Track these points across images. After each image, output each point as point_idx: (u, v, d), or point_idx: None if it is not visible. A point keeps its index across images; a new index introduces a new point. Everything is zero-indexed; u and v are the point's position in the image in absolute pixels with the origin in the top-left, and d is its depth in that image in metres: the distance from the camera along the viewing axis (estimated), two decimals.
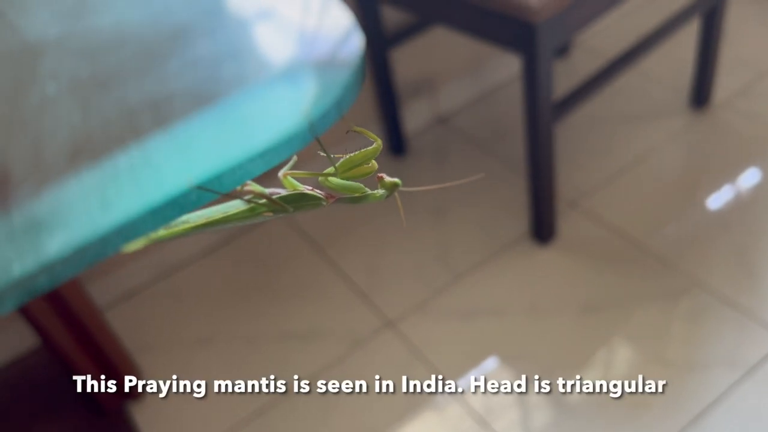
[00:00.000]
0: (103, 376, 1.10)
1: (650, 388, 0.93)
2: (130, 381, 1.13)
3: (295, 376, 1.14)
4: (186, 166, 0.20)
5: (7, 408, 1.16)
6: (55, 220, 0.19)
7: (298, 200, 0.21)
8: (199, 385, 1.15)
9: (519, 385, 1.06)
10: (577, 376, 1.06)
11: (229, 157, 0.20)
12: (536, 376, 1.07)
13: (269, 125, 0.20)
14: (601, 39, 1.69)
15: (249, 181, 0.20)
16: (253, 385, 1.13)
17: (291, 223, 1.41)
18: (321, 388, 1.11)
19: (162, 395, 1.15)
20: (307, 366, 1.15)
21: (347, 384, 1.11)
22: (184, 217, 0.21)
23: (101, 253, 0.18)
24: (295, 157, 0.21)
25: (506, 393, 1.06)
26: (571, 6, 0.98)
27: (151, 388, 1.16)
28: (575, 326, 1.13)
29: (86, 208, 0.19)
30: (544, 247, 1.26)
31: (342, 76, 0.21)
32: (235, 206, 0.21)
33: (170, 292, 1.33)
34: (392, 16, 1.37)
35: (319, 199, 0.21)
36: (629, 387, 1.03)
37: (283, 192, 0.21)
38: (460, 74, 1.56)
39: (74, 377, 1.09)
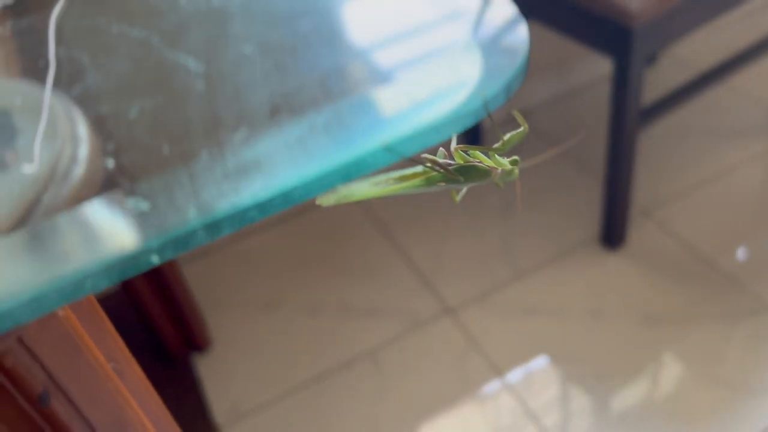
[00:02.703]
0: (173, 326, 1.16)
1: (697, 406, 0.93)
2: (198, 334, 1.19)
3: (353, 349, 1.17)
4: (372, 129, 0.22)
5: None
6: (265, 165, 0.22)
7: (469, 172, 0.23)
8: (260, 346, 1.20)
9: (570, 387, 1.07)
10: (627, 386, 1.06)
11: (408, 126, 0.22)
12: (587, 381, 1.08)
13: (446, 100, 0.23)
14: (692, 50, 1.66)
15: (425, 155, 0.22)
16: (311, 353, 1.18)
17: (362, 203, 1.45)
18: (377, 364, 1.15)
19: (226, 351, 1.21)
20: (365, 341, 1.18)
21: (403, 363, 1.14)
22: (364, 182, 0.23)
23: (303, 196, 0.21)
24: (455, 135, 0.23)
25: (556, 392, 1.07)
26: (669, 14, 0.98)
27: (217, 343, 1.21)
28: (633, 336, 1.13)
29: (291, 157, 0.21)
30: (612, 253, 1.25)
31: (514, 62, 0.23)
32: (410, 172, 0.23)
33: (242, 255, 1.38)
34: None
35: (488, 171, 0.23)
36: (677, 402, 1.03)
37: (453, 163, 0.23)
38: (545, 71, 1.56)
39: (147, 324, 1.15)
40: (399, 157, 0.21)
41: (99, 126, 0.24)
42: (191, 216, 0.20)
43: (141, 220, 0.21)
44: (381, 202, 1.44)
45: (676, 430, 1.00)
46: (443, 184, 0.24)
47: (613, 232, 1.23)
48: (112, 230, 0.21)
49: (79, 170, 0.23)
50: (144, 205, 0.21)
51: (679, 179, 1.38)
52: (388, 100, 0.23)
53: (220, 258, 1.38)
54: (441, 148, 0.24)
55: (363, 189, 0.24)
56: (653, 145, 1.45)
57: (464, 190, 0.25)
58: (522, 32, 0.25)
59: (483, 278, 1.26)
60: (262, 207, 0.20)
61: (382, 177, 0.24)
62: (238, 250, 1.39)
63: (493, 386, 1.09)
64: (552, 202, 1.37)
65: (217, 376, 1.17)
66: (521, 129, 0.24)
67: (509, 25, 0.25)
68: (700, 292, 1.17)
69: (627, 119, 1.06)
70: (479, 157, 0.24)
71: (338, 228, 1.41)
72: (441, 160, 0.24)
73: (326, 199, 0.24)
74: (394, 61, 0.24)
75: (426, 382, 1.11)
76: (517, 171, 0.24)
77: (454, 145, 0.24)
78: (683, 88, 1.15)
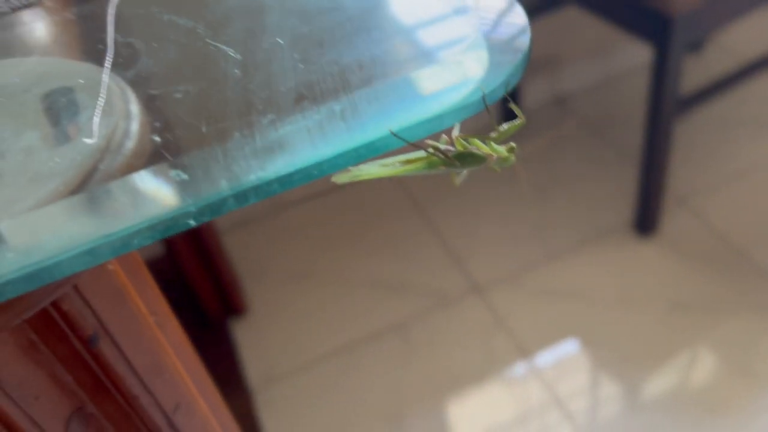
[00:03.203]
0: (213, 292, 1.22)
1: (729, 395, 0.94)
2: (236, 300, 1.24)
3: (382, 322, 1.21)
4: (381, 116, 0.25)
5: None
6: (287, 145, 0.25)
7: (466, 158, 0.26)
8: (294, 314, 1.25)
9: (596, 372, 1.09)
10: (655, 373, 1.08)
11: (414, 114, 0.25)
12: (614, 366, 1.09)
13: (447, 94, 0.26)
14: (738, 38, 1.63)
15: (428, 141, 0.25)
16: (342, 324, 1.22)
17: (398, 180, 1.48)
18: (405, 338, 1.18)
19: (262, 318, 1.26)
20: (394, 315, 1.22)
21: (430, 338, 1.18)
22: (373, 163, 0.26)
23: (320, 173, 0.24)
24: (458, 124, 0.26)
25: (582, 376, 1.09)
26: (712, 2, 0.97)
27: (254, 309, 1.27)
28: (662, 323, 1.14)
29: (310, 139, 0.25)
30: (644, 239, 1.26)
31: (514, 58, 0.26)
32: (414, 156, 0.26)
33: (280, 227, 1.43)
34: None
35: (484, 158, 0.26)
36: (706, 392, 1.04)
37: (453, 149, 0.26)
38: (586, 57, 1.56)
39: (189, 288, 1.21)
40: (404, 143, 0.24)
41: (149, 106, 0.28)
42: (223, 186, 0.24)
43: (181, 188, 0.24)
44: (416, 180, 1.47)
45: (705, 420, 1.01)
46: (443, 168, 0.27)
47: (646, 219, 1.24)
48: (157, 196, 0.25)
49: (131, 144, 0.27)
50: (184, 176, 0.24)
51: (718, 169, 1.37)
52: (398, 91, 0.26)
53: (259, 229, 1.43)
54: (444, 135, 0.27)
55: (373, 169, 0.27)
56: (694, 132, 1.44)
57: (464, 173, 0.28)
58: (524, 31, 0.27)
59: (514, 259, 1.28)
60: (283, 181, 0.24)
61: (390, 159, 0.27)
62: (277, 222, 1.44)
63: (518, 367, 1.11)
64: (588, 186, 1.38)
65: (252, 342, 1.23)
66: (518, 120, 0.26)
67: (514, 23, 0.28)
68: (732, 284, 1.17)
69: (664, 108, 1.06)
70: (477, 145, 0.26)
71: (373, 203, 1.45)
72: (443, 146, 0.26)
73: (340, 177, 0.27)
74: (406, 55, 0.27)
75: (451, 359, 1.15)
76: (513, 158, 0.27)
77: (455, 133, 0.27)
78: (726, 77, 1.14)
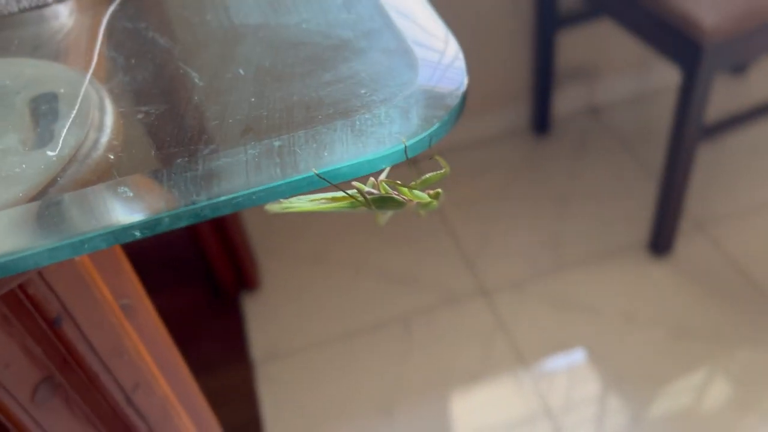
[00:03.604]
0: (228, 265, 1.26)
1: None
2: (250, 275, 1.28)
3: (387, 312, 1.24)
4: (314, 157, 0.28)
5: (137, 273, 1.35)
6: (224, 175, 0.27)
7: (386, 202, 0.28)
8: (303, 295, 1.29)
9: (589, 386, 1.10)
10: (648, 394, 1.09)
11: (344, 157, 0.28)
12: (608, 382, 1.10)
13: (377, 142, 0.28)
14: None
15: (354, 182, 0.28)
16: (348, 309, 1.26)
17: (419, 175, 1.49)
18: (407, 330, 1.21)
19: (272, 295, 1.30)
20: (399, 307, 1.25)
21: (432, 333, 1.20)
22: (303, 197, 0.29)
23: (250, 203, 0.27)
24: (388, 168, 0.28)
25: (575, 389, 1.11)
26: (746, 34, 0.96)
27: (266, 286, 1.31)
28: (665, 347, 1.14)
29: (245, 171, 0.27)
30: (658, 260, 1.26)
31: (440, 114, 0.28)
32: (339, 195, 0.29)
33: None
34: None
35: (402, 203, 0.28)
36: (703, 420, 1.04)
37: (375, 192, 0.29)
38: (624, 70, 1.54)
39: (205, 260, 1.26)
40: (328, 183, 0.27)
41: (114, 123, 0.31)
42: (161, 206, 0.27)
43: (126, 204, 0.27)
44: (441, 180, 1.48)
45: None
46: (364, 208, 0.29)
47: (660, 240, 1.24)
48: (107, 209, 0.28)
49: (96, 155, 0.30)
50: (130, 194, 0.27)
51: (741, 197, 1.35)
52: (334, 134, 0.28)
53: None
54: (371, 178, 0.29)
55: (301, 203, 0.30)
56: (721, 156, 1.42)
57: (389, 214, 0.30)
58: (460, 88, 0.29)
59: (523, 266, 1.29)
60: (214, 208, 0.27)
61: (319, 195, 0.29)
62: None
63: (514, 373, 1.13)
64: (609, 200, 1.38)
65: (261, 317, 1.27)
66: (442, 170, 0.28)
67: (453, 79, 0.30)
68: (742, 315, 1.17)
69: (687, 133, 1.05)
70: (400, 190, 0.28)
71: None
72: (367, 189, 0.29)
73: (273, 207, 0.30)
74: (350, 100, 0.30)
75: (450, 356, 1.17)
76: (435, 203, 0.29)
77: (382, 177, 0.29)
78: (754, 108, 1.13)
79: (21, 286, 0.32)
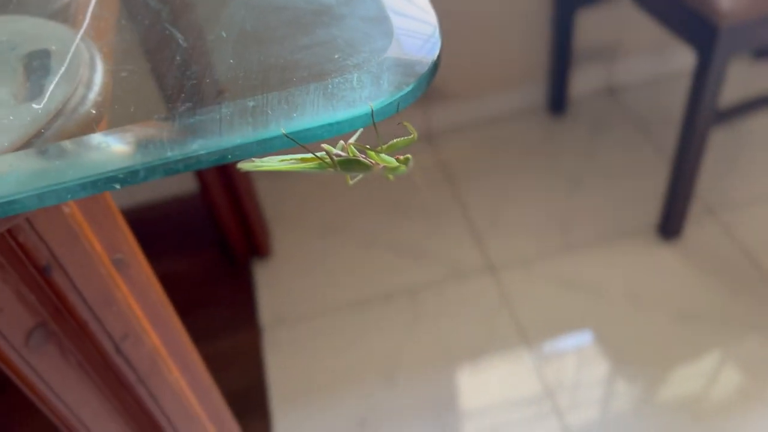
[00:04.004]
0: (240, 231, 1.28)
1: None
2: (261, 242, 1.31)
3: (394, 284, 1.26)
4: (286, 118, 0.29)
5: (152, 237, 1.38)
6: (199, 131, 0.29)
7: (352, 164, 0.29)
8: (313, 264, 1.31)
9: (589, 366, 1.11)
10: (647, 377, 1.09)
11: (314, 119, 0.29)
12: (609, 363, 1.11)
13: (347, 105, 0.29)
14: None
15: (323, 144, 0.29)
16: (356, 280, 1.27)
17: (434, 150, 1.50)
18: (414, 303, 1.23)
19: (283, 263, 1.32)
20: (407, 279, 1.26)
21: (438, 307, 1.22)
22: (274, 157, 0.30)
23: (221, 159, 0.28)
24: (360, 130, 0.29)
25: (579, 370, 1.11)
26: (764, 17, 0.95)
27: (277, 254, 1.33)
28: (669, 330, 1.14)
29: (218, 129, 0.29)
30: (666, 244, 1.25)
31: (409, 81, 0.29)
32: (308, 156, 0.30)
33: (316, 179, 1.48)
34: None
35: (369, 166, 0.29)
36: (702, 404, 1.05)
37: (344, 155, 0.30)
38: (643, 51, 1.52)
39: (218, 226, 1.28)
40: (296, 144, 0.28)
41: (104, 79, 0.32)
42: (137, 159, 0.28)
43: (107, 156, 0.29)
44: (453, 151, 1.49)
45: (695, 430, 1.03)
46: (332, 170, 0.30)
47: (670, 223, 1.23)
48: (88, 160, 0.29)
49: (83, 111, 0.31)
50: (110, 147, 0.29)
51: (755, 184, 1.34)
52: (306, 96, 0.29)
53: (291, 178, 1.49)
54: (341, 141, 0.30)
55: (272, 163, 0.31)
56: (736, 142, 1.41)
57: (359, 176, 0.31)
58: (430, 57, 0.30)
59: (532, 244, 1.30)
60: (188, 162, 0.28)
61: (288, 156, 0.30)
62: (313, 175, 1.49)
63: (516, 350, 1.14)
64: (622, 181, 1.38)
65: (271, 284, 1.29)
66: (411, 136, 0.29)
67: (426, 47, 0.31)
68: (748, 301, 1.16)
69: (700, 117, 1.05)
70: (368, 154, 0.29)
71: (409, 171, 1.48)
72: (335, 151, 0.30)
73: (245, 165, 0.31)
74: (324, 63, 0.31)
75: (454, 329, 1.18)
76: (403, 168, 0.30)
77: (351, 140, 0.30)
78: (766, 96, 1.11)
79: (12, 235, 0.34)
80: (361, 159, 0.29)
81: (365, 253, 1.32)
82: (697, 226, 1.27)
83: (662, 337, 1.14)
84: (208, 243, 1.36)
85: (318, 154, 0.29)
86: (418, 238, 1.34)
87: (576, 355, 1.13)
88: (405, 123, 0.30)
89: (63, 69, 0.32)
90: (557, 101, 1.50)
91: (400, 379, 1.13)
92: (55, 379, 0.42)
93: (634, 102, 1.54)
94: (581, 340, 1.15)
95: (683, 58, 1.55)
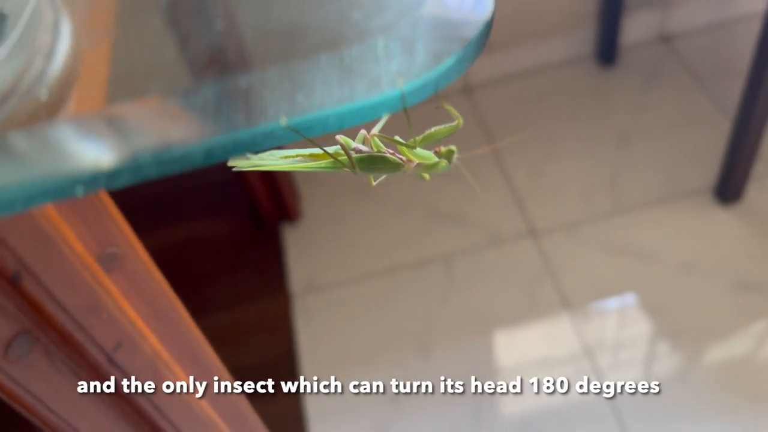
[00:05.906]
0: (269, 194, 1.23)
1: None
2: (291, 206, 1.25)
3: (429, 251, 1.20)
4: (288, 101, 0.22)
5: (178, 202, 1.33)
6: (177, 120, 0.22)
7: (377, 162, 0.22)
8: (346, 229, 1.25)
9: (635, 335, 1.04)
10: (704, 349, 1.02)
11: (323, 103, 0.22)
12: (658, 333, 1.04)
13: (369, 84, 0.22)
14: None
15: (339, 136, 0.22)
16: (390, 246, 1.21)
17: (471, 104, 1.41)
18: (449, 269, 1.16)
19: (314, 227, 1.27)
20: (443, 245, 1.20)
21: (474, 274, 1.15)
22: (276, 153, 0.23)
23: (207, 160, 0.22)
24: (386, 117, 0.22)
25: (626, 339, 1.05)
26: None
27: (307, 218, 1.28)
28: (723, 299, 1.06)
29: (200, 119, 0.22)
30: (724, 207, 1.16)
31: (454, 49, 0.22)
32: (318, 152, 0.23)
33: None
34: None
35: (399, 164, 0.22)
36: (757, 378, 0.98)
37: (365, 150, 0.23)
38: None
39: (246, 190, 1.23)
40: (303, 137, 0.21)
41: (70, 48, 0.26)
42: (100, 159, 0.22)
43: (66, 153, 0.22)
44: (492, 104, 1.40)
45: (745, 407, 0.96)
46: (348, 170, 0.23)
47: (730, 185, 1.14)
48: (44, 158, 0.23)
49: (39, 90, 0.25)
50: (71, 140, 0.22)
51: None
52: (316, 72, 0.22)
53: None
54: (363, 131, 0.23)
55: (273, 161, 0.24)
56: None
57: (383, 176, 0.24)
58: (481, 17, 0.23)
59: (578, 207, 1.21)
60: (159, 164, 0.21)
61: (293, 151, 0.24)
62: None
63: (558, 319, 1.08)
64: (675, 138, 1.28)
65: (301, 249, 1.24)
66: (454, 123, 0.22)
67: (475, 2, 0.24)
68: None
69: None
70: (400, 149, 0.23)
71: None
72: (354, 145, 0.23)
73: (237, 162, 0.24)
74: (341, 28, 0.24)
75: (491, 298, 1.12)
76: (444, 163, 0.23)
77: (375, 131, 0.23)
78: None
79: None
80: (388, 155, 0.22)
81: (400, 217, 1.26)
82: (759, 189, 1.17)
83: (717, 307, 1.06)
84: (237, 206, 1.31)
85: (330, 149, 0.23)
86: (455, 201, 1.26)
87: (622, 321, 1.06)
88: (446, 105, 0.23)
89: (16, 35, 0.25)
90: (607, 50, 1.39)
91: (434, 349, 1.07)
92: (44, 390, 0.37)
93: (691, 51, 1.42)
94: (629, 306, 1.08)
95: (747, 0, 1.42)
